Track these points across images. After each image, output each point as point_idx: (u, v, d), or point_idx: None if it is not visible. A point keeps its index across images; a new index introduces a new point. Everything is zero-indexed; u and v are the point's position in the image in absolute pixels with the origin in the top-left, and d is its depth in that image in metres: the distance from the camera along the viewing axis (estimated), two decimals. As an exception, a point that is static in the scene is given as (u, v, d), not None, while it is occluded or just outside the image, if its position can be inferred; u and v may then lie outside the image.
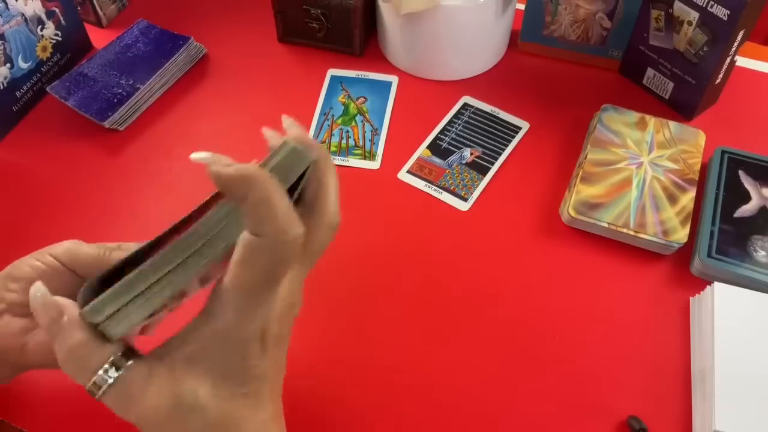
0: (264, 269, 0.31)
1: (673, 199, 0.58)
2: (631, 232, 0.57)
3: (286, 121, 0.36)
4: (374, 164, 0.65)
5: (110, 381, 0.31)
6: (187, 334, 0.33)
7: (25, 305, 0.38)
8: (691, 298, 0.55)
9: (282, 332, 0.34)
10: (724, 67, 0.63)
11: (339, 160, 0.65)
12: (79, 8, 0.75)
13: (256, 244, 0.30)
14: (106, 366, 0.31)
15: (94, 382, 0.31)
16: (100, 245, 0.42)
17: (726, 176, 0.60)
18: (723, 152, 0.62)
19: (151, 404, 0.31)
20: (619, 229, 0.57)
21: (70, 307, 0.32)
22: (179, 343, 0.33)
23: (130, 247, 0.42)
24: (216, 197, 0.34)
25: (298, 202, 0.34)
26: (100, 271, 0.34)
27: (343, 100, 0.71)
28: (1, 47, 0.64)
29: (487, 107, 0.69)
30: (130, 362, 0.31)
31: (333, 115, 0.69)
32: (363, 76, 0.73)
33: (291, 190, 0.33)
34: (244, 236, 0.30)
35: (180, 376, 0.32)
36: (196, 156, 0.31)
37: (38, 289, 0.33)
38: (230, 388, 0.32)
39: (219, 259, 0.32)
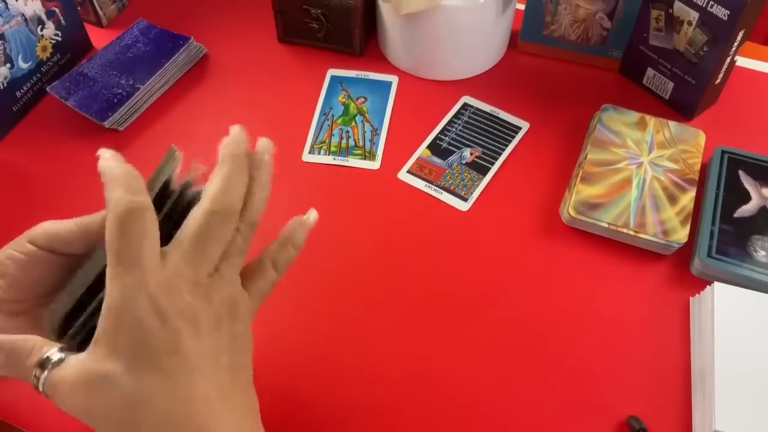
0: (118, 235, 0.33)
1: (673, 199, 0.58)
2: (631, 232, 0.57)
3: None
4: (374, 164, 0.65)
5: (42, 377, 0.34)
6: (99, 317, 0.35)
7: (11, 302, 0.39)
8: (691, 298, 0.55)
9: (192, 310, 0.35)
10: (724, 67, 0.63)
11: (339, 160, 0.65)
12: (79, 8, 0.75)
13: (110, 213, 0.34)
14: (37, 368, 0.35)
15: (35, 376, 0.34)
16: (77, 219, 0.42)
17: (726, 176, 0.60)
18: (723, 152, 0.62)
19: (68, 384, 0.33)
20: (619, 229, 0.57)
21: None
22: (91, 327, 0.35)
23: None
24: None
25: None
26: (80, 245, 0.39)
27: (343, 100, 0.71)
28: (1, 47, 0.64)
29: (487, 107, 0.69)
30: (55, 358, 0.35)
31: (333, 115, 0.69)
32: (363, 76, 0.73)
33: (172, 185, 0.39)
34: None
35: (90, 354, 0.34)
36: (101, 152, 0.36)
37: None
38: (141, 362, 0.33)
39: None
